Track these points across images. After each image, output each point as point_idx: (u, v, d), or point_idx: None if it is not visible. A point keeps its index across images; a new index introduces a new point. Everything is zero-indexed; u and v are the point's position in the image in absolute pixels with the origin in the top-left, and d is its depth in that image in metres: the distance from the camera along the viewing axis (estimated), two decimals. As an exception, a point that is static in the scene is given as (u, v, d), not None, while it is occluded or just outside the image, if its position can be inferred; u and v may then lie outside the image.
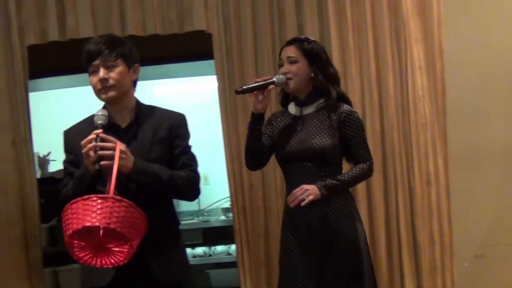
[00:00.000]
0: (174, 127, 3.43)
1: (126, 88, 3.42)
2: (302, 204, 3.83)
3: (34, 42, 5.00)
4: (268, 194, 5.04)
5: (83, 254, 3.04)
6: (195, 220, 7.00)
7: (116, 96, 3.37)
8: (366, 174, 4.05)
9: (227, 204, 6.73)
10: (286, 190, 3.98)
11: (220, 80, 5.03)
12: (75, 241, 3.00)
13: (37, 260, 5.06)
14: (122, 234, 2.97)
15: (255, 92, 3.90)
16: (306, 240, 3.90)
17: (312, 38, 4.16)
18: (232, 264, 6.07)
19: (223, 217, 6.90)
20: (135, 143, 3.37)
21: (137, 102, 3.48)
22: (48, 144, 6.43)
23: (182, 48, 5.36)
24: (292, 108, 4.17)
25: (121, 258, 3.03)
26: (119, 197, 3.01)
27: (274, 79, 3.98)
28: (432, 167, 5.08)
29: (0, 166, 4.99)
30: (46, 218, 5.77)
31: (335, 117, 3.99)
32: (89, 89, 3.51)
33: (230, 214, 6.52)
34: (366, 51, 5.06)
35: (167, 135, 3.41)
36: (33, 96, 5.23)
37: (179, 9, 4.99)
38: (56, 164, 6.56)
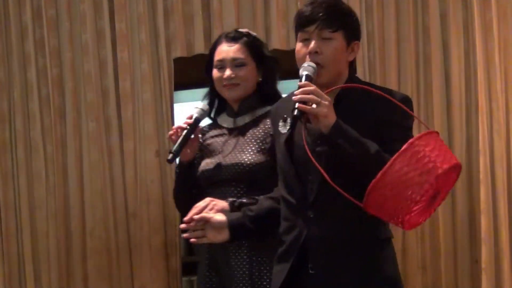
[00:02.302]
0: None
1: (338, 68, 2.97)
2: None
3: (180, 55, 5.11)
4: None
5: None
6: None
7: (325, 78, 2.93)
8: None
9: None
10: None
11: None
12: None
13: (176, 268, 5.15)
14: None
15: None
16: None
17: (253, 33, 3.70)
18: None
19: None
20: None
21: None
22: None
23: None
24: (224, 120, 3.67)
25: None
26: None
27: (196, 114, 3.49)
28: None
29: (144, 175, 5.10)
30: (184, 227, 5.87)
31: (271, 129, 3.34)
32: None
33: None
34: (512, 69, 4.95)
35: None
36: (175, 108, 5.33)
37: (323, 24, 5.00)
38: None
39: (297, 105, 2.74)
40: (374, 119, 2.85)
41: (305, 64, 2.87)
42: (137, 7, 5.12)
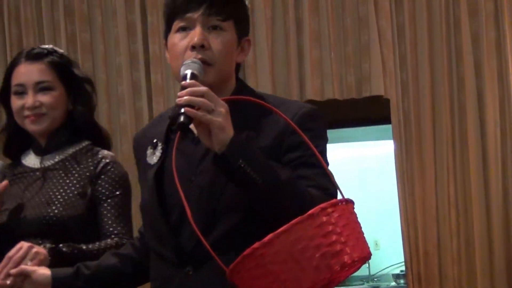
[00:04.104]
0: None
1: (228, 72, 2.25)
2: None
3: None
4: (444, 262, 4.91)
5: None
6: (365, 286, 6.92)
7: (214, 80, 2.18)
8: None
9: (398, 270, 6.64)
10: None
11: (397, 145, 4.97)
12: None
13: None
14: None
15: None
16: None
17: (59, 50, 2.93)
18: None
19: (393, 284, 6.80)
20: None
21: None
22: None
23: (358, 113, 5.35)
24: (29, 158, 2.91)
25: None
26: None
27: None
28: None
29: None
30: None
31: (88, 170, 2.80)
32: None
33: (401, 281, 6.48)
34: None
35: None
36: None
37: (357, 74, 5.00)
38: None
39: (183, 109, 1.95)
40: (273, 137, 2.14)
41: (188, 61, 2.11)
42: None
